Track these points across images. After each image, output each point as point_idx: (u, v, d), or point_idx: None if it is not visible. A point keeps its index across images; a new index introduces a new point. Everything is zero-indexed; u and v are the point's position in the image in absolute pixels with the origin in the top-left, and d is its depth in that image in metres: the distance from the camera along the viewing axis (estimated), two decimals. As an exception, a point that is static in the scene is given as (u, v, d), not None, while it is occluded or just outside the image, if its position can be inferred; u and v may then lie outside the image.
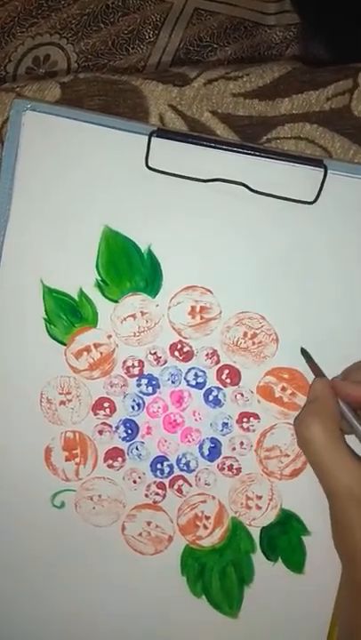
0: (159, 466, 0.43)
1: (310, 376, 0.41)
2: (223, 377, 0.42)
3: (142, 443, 0.43)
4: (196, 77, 0.44)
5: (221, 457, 0.43)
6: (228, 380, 0.42)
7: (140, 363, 0.42)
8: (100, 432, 0.43)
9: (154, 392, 0.43)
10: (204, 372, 0.42)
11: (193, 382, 0.42)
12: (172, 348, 0.42)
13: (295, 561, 0.42)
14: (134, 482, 0.43)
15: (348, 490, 0.35)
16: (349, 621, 0.37)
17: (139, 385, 0.43)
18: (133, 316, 0.42)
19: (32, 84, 0.43)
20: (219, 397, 0.42)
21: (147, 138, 0.41)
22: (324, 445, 0.36)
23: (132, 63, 0.56)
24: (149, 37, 0.57)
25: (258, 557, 0.43)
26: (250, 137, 0.44)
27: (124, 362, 0.42)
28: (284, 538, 0.42)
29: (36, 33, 0.54)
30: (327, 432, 0.36)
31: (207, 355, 0.42)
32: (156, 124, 0.44)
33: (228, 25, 0.60)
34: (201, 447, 0.43)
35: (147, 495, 0.43)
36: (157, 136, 0.41)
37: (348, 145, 0.44)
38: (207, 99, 0.44)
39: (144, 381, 0.43)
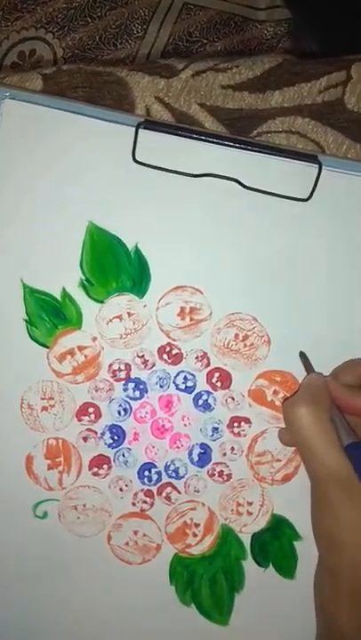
0: (147, 473, 0.41)
1: (303, 378, 0.40)
2: (213, 380, 0.41)
3: (129, 449, 0.41)
4: (183, 69, 0.42)
5: (211, 463, 0.41)
6: (219, 384, 0.41)
7: (127, 366, 0.41)
8: (85, 439, 0.41)
9: (141, 396, 0.41)
10: (193, 375, 0.41)
11: (182, 386, 0.41)
12: (161, 350, 0.40)
13: (286, 566, 0.41)
14: (121, 490, 0.41)
15: (332, 473, 0.35)
16: (325, 608, 0.36)
17: (125, 389, 0.41)
18: (120, 317, 0.40)
19: (13, 75, 0.40)
20: (209, 401, 0.41)
21: (134, 129, 0.39)
22: (311, 428, 0.35)
23: (120, 58, 0.54)
24: (138, 32, 0.54)
25: (248, 564, 0.42)
26: (240, 130, 0.42)
27: (110, 365, 0.40)
28: (276, 543, 0.41)
29: (22, 27, 0.51)
30: (315, 415, 0.36)
31: (197, 357, 0.41)
32: (143, 116, 0.42)
33: (218, 20, 0.58)
34: (190, 453, 0.41)
35: (134, 503, 0.41)
36: (145, 128, 0.39)
37: (341, 139, 0.42)
38: (195, 91, 0.42)
39: (131, 385, 0.41)
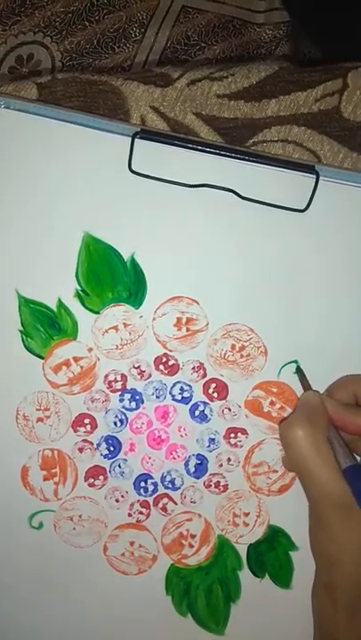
0: (143, 484, 0.41)
1: (300, 390, 0.40)
2: (210, 391, 0.40)
3: (125, 460, 0.41)
4: (179, 78, 0.41)
5: (208, 474, 0.41)
6: (215, 395, 0.40)
7: (123, 377, 0.40)
8: (81, 450, 0.41)
9: (137, 407, 0.41)
10: (190, 386, 0.40)
11: (178, 397, 0.41)
12: (157, 361, 0.40)
13: (283, 577, 0.41)
14: (117, 501, 0.41)
15: (329, 496, 0.35)
16: (322, 622, 0.36)
17: (121, 400, 0.40)
18: (116, 327, 0.40)
19: (7, 84, 0.40)
20: (205, 412, 0.41)
21: (130, 139, 0.38)
22: (308, 450, 0.35)
23: (118, 62, 0.53)
24: (135, 36, 0.54)
25: (245, 574, 0.42)
26: (235, 140, 0.42)
27: (106, 376, 0.40)
28: (272, 554, 0.41)
29: (19, 31, 0.50)
30: (312, 437, 0.35)
31: (193, 368, 0.40)
32: (139, 125, 0.41)
33: (217, 23, 0.57)
34: (187, 464, 0.41)
35: (130, 514, 0.41)
36: (141, 137, 0.38)
37: (338, 148, 0.42)
38: (191, 100, 0.41)
39: (127, 396, 0.40)
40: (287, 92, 0.42)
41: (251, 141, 0.42)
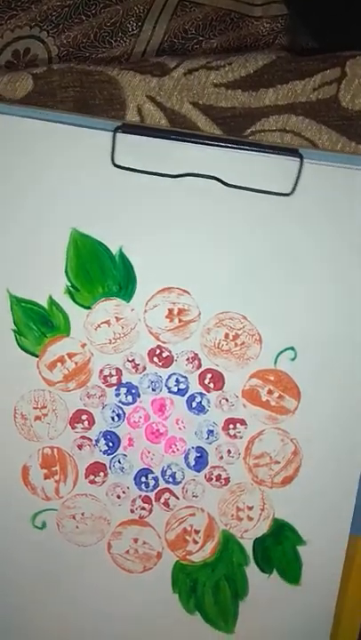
0: (144, 479, 0.41)
1: (297, 378, 0.39)
2: (206, 382, 0.40)
3: (125, 455, 0.41)
4: (175, 67, 0.41)
5: (208, 466, 0.40)
6: (212, 385, 0.40)
7: (118, 371, 0.40)
8: (80, 446, 0.41)
9: (134, 401, 0.40)
10: (185, 377, 0.40)
11: (175, 389, 0.40)
12: (151, 353, 0.40)
13: (291, 572, 0.40)
14: (118, 497, 0.41)
15: None
16: None
17: (118, 394, 0.40)
18: (108, 322, 0.40)
19: (2, 75, 0.41)
20: (202, 403, 0.40)
21: (111, 134, 0.39)
22: None
23: (115, 56, 0.54)
24: (132, 30, 0.54)
25: (252, 570, 0.40)
26: (233, 129, 0.41)
27: (101, 371, 0.40)
28: (279, 549, 0.40)
29: (16, 26, 0.51)
30: None
31: (188, 359, 0.40)
32: (134, 116, 0.41)
33: (214, 16, 0.57)
34: (187, 457, 0.40)
35: (132, 510, 0.41)
36: (123, 131, 0.38)
37: (336, 137, 0.41)
38: (188, 89, 0.41)
39: (123, 390, 0.40)
40: (285, 81, 0.42)
41: (248, 131, 0.42)
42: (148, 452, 0.40)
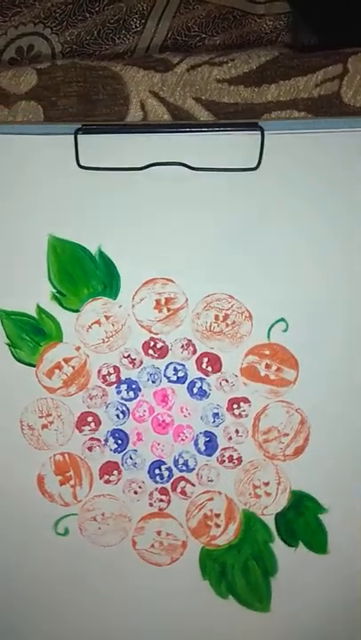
0: (157, 471, 0.41)
1: (292, 348, 0.39)
2: (203, 366, 0.40)
3: (135, 451, 0.41)
4: (178, 63, 0.42)
5: (219, 449, 0.40)
6: (210, 368, 0.40)
7: (116, 369, 0.40)
8: (90, 448, 0.41)
9: (136, 396, 0.41)
10: (182, 365, 0.40)
11: (174, 378, 0.40)
12: (145, 346, 0.40)
13: (317, 542, 0.40)
14: (135, 492, 0.41)
15: None
16: None
17: (119, 392, 0.41)
18: (98, 322, 0.40)
19: (7, 70, 0.41)
20: (203, 388, 0.40)
21: (73, 137, 0.39)
22: None
23: (119, 53, 0.54)
24: (136, 27, 0.54)
25: (278, 546, 0.40)
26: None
27: (99, 371, 0.41)
28: (301, 520, 0.40)
29: (19, 22, 0.51)
30: None
31: (182, 346, 0.40)
32: (137, 111, 0.41)
33: (217, 14, 0.57)
34: (196, 443, 0.40)
35: (151, 504, 0.41)
36: (83, 133, 0.39)
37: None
38: (190, 85, 0.41)
39: (123, 387, 0.41)
40: (287, 77, 0.42)
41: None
42: (158, 444, 0.41)
